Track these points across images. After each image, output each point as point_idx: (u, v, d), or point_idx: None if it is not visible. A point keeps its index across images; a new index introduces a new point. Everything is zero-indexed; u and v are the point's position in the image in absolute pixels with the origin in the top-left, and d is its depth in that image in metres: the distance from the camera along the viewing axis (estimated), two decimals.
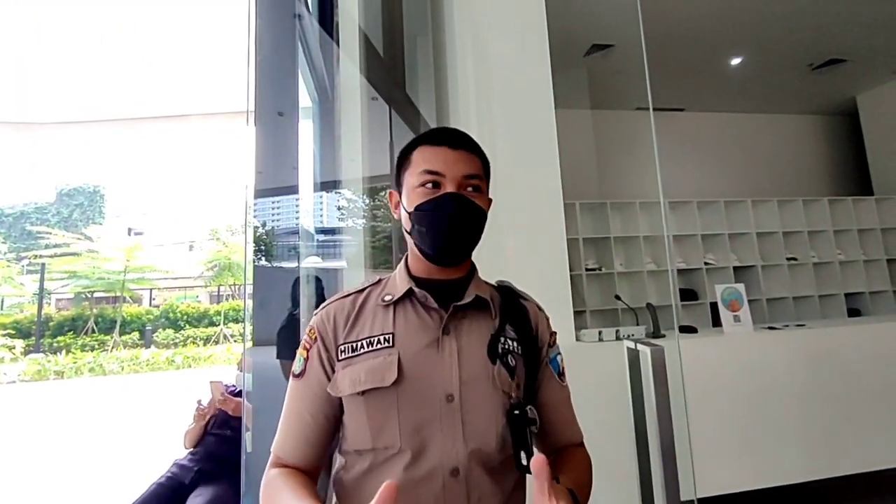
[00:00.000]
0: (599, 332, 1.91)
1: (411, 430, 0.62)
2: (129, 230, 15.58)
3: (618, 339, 1.93)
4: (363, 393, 0.63)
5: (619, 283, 4.04)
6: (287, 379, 0.71)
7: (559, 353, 0.76)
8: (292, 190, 1.64)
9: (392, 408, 0.62)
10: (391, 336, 0.66)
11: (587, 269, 3.89)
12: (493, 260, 1.93)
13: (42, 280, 11.37)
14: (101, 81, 14.20)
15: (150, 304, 13.44)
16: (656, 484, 1.06)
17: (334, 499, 0.69)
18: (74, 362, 9.34)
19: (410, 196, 0.68)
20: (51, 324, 10.94)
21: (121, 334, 11.12)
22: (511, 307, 0.73)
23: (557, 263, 1.97)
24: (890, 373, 2.01)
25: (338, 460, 0.69)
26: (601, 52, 3.99)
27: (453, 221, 0.66)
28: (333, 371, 0.66)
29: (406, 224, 0.69)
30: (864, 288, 4.32)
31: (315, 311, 0.72)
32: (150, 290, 13.73)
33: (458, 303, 0.68)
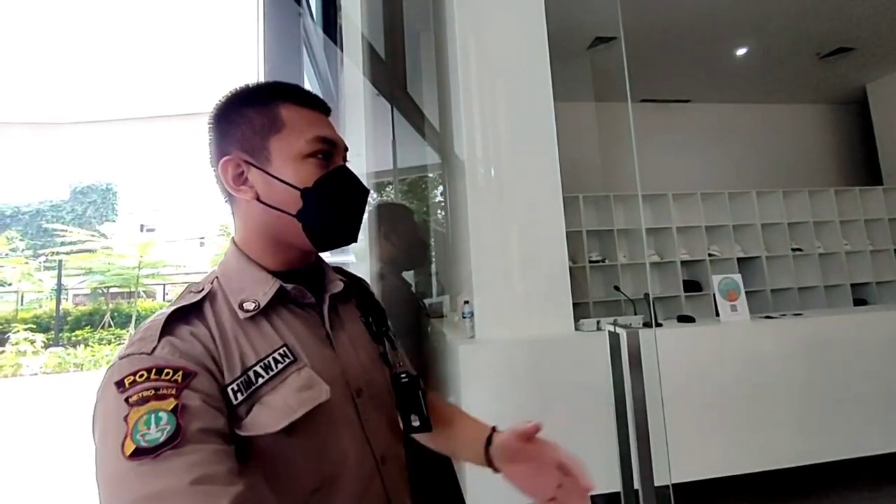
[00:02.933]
0: (598, 322, 1.96)
1: (348, 446, 0.55)
2: (142, 226, 15.85)
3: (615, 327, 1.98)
4: (296, 422, 0.49)
5: (623, 274, 4.08)
6: None
7: None
8: None
9: (329, 427, 0.53)
10: (286, 349, 0.52)
11: (591, 262, 3.94)
12: (495, 252, 2.00)
13: (59, 276, 11.66)
14: (112, 82, 14.42)
15: (164, 299, 13.72)
16: (634, 467, 1.12)
17: None
18: (93, 355, 9.61)
19: (297, 167, 0.54)
20: (69, 318, 11.23)
21: (136, 328, 11.38)
22: (357, 285, 0.70)
23: (557, 255, 2.03)
24: (882, 360, 2.04)
25: None
26: (604, 44, 4.01)
27: (362, 199, 0.59)
28: (236, 416, 0.47)
29: (289, 203, 0.54)
30: (870, 278, 4.31)
31: (138, 340, 0.47)
32: (164, 284, 14.01)
33: (335, 291, 0.61)
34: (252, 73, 1.28)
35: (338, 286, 0.62)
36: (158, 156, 16.02)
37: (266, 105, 0.55)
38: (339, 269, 0.69)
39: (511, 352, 1.82)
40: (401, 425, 0.63)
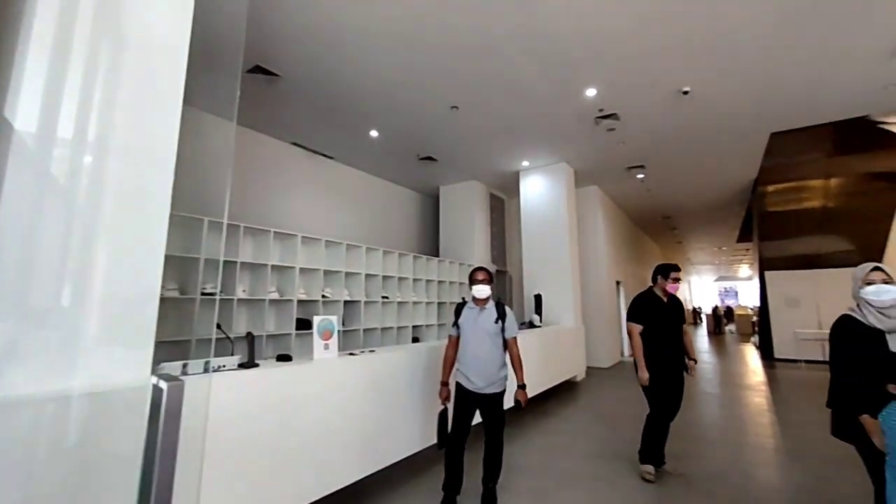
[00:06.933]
0: (184, 365, 1.72)
1: None
2: None
3: (206, 370, 1.80)
4: None
5: (239, 309, 3.91)
6: None
7: None
8: None
9: None
10: None
11: (203, 294, 3.54)
12: (53, 264, 1.43)
13: None
14: None
15: None
16: None
17: None
18: None
19: None
20: None
21: None
22: None
23: (148, 284, 1.67)
24: (422, 380, 2.81)
25: None
26: (266, 76, 3.97)
27: None
28: None
29: None
30: (423, 322, 6.02)
31: None
32: None
33: None
34: None
35: None
36: None
37: None
38: None
39: (45, 412, 1.29)
40: None
